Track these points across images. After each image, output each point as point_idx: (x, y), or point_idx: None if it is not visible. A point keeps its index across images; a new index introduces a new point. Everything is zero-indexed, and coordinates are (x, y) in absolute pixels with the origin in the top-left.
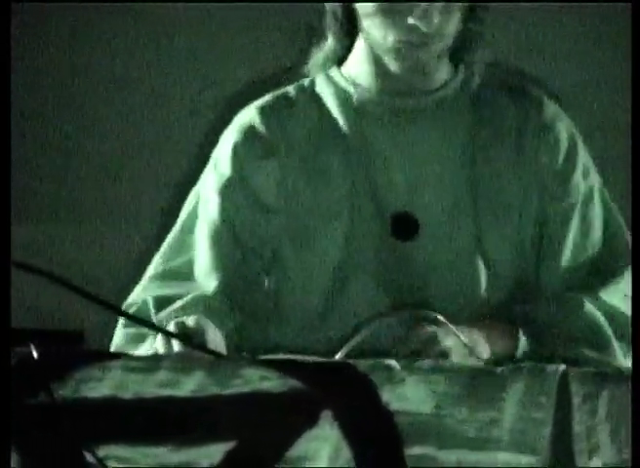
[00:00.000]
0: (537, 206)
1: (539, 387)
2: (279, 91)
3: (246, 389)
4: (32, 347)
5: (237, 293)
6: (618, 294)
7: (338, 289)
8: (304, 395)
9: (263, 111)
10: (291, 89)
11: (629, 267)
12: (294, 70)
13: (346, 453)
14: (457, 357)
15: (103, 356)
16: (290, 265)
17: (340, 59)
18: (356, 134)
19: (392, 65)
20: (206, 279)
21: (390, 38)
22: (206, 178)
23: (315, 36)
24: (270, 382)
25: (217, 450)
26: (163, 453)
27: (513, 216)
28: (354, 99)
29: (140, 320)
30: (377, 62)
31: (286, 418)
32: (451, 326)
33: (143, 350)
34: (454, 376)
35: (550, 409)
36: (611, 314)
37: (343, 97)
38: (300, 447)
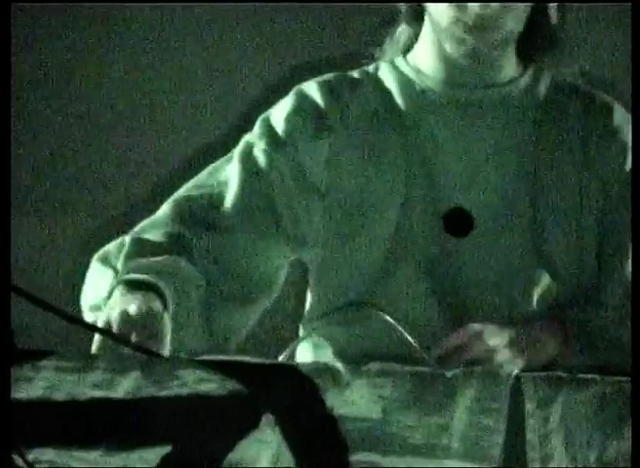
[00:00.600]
0: (600, 213)
1: (490, 392)
2: (342, 73)
3: (184, 391)
4: None
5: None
6: None
7: (380, 280)
8: (245, 397)
9: (324, 86)
10: (355, 72)
11: None
12: (355, 57)
13: (288, 459)
14: (503, 358)
15: (35, 355)
16: (333, 250)
17: (406, 48)
18: (416, 121)
19: (449, 48)
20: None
21: (445, 17)
22: (253, 132)
23: (386, 22)
24: (209, 384)
25: (153, 454)
26: (97, 457)
27: (574, 221)
28: (417, 87)
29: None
30: (437, 47)
31: (225, 421)
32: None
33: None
34: (401, 381)
35: (502, 415)
36: None
37: (406, 84)
38: (240, 451)
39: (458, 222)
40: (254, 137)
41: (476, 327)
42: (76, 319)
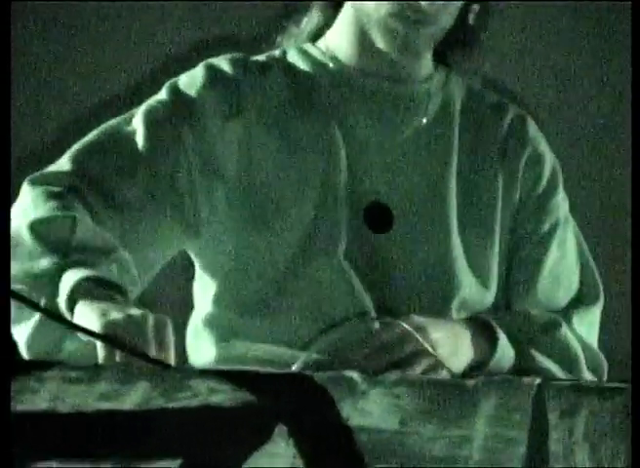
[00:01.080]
0: (513, 223)
1: (512, 402)
2: (250, 55)
3: (194, 402)
4: None
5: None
6: (589, 327)
7: (296, 271)
8: (257, 409)
9: (238, 64)
10: (262, 56)
11: (601, 301)
12: (260, 41)
13: None
14: (445, 352)
15: (39, 365)
16: (243, 240)
17: (314, 35)
18: (334, 110)
19: (380, 42)
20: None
21: (384, 10)
22: (159, 97)
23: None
24: (220, 395)
25: None
26: None
27: (492, 225)
28: (335, 75)
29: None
30: (363, 37)
31: (237, 434)
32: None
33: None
34: (420, 390)
35: (525, 426)
36: (583, 343)
37: (322, 71)
38: (253, 464)
39: (378, 217)
40: (160, 103)
41: (417, 319)
42: (77, 325)
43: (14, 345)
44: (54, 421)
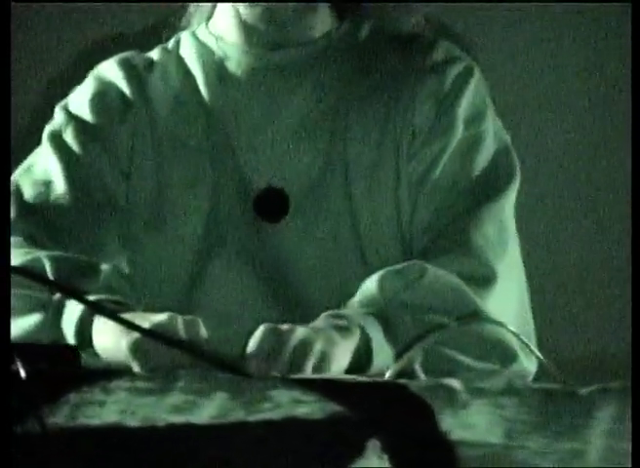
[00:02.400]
0: (407, 163)
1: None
2: (141, 54)
3: (277, 415)
4: (19, 364)
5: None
6: (489, 223)
7: (196, 278)
8: (347, 421)
9: (124, 66)
10: (154, 52)
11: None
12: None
13: None
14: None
15: (105, 375)
16: (142, 249)
17: (210, 15)
18: (217, 98)
19: (242, 10)
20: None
21: None
22: (53, 122)
23: None
24: (306, 407)
25: None
26: None
27: (386, 183)
28: (215, 57)
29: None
30: (233, 10)
31: (325, 449)
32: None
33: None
34: (527, 399)
35: None
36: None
37: (207, 56)
38: None
39: (270, 206)
40: (58, 126)
41: (298, 331)
42: (127, 321)
43: (76, 351)
44: (122, 436)
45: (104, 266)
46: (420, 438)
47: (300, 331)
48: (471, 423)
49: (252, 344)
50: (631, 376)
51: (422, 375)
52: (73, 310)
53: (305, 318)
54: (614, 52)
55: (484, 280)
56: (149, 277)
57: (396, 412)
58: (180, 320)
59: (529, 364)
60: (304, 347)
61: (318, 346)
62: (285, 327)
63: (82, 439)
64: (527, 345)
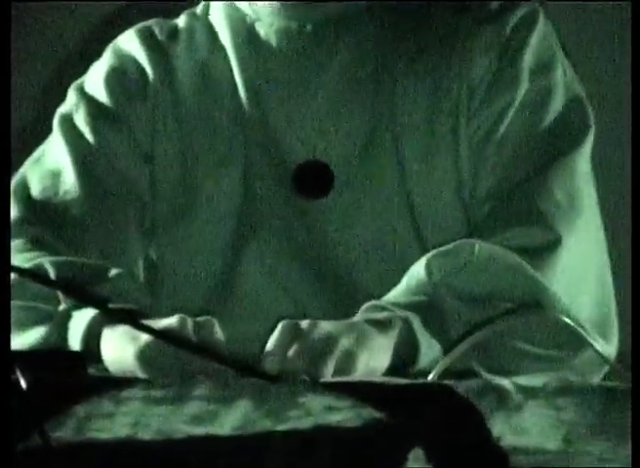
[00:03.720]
0: (466, 123)
1: None
2: (165, 21)
3: (307, 424)
4: (19, 374)
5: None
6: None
7: (230, 268)
8: (386, 429)
9: (143, 37)
10: (180, 19)
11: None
12: None
13: None
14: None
15: (115, 383)
16: (168, 242)
17: None
18: (249, 67)
19: None
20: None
21: None
22: (66, 103)
23: None
24: (340, 414)
25: None
26: None
27: (443, 147)
28: (248, 22)
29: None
30: None
31: (363, 460)
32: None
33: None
34: (588, 400)
35: None
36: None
37: (237, 21)
38: None
39: (312, 182)
40: (69, 108)
41: (322, 327)
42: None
43: (82, 358)
44: (134, 451)
45: (114, 271)
46: (468, 446)
47: (323, 328)
48: (525, 428)
49: (269, 343)
50: (631, 376)
51: (481, 371)
52: (80, 321)
53: (354, 308)
54: (614, 52)
55: (549, 248)
56: (177, 271)
57: (441, 418)
58: (190, 322)
59: (607, 347)
60: (326, 345)
61: (343, 344)
62: (306, 322)
63: (90, 454)
64: (585, 335)
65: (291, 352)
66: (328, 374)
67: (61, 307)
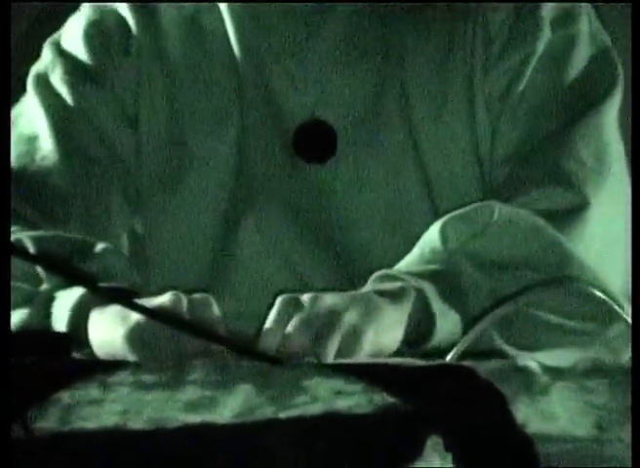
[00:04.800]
0: (482, 78)
1: None
2: None
3: (314, 410)
4: None
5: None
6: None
7: (226, 239)
8: (401, 415)
9: None
10: None
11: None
12: None
13: None
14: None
15: (103, 367)
16: (158, 214)
17: None
18: (244, 19)
19: None
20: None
21: None
22: (41, 61)
23: None
24: (350, 399)
25: None
26: None
27: (457, 104)
28: None
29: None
30: None
31: (376, 449)
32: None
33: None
34: (622, 382)
35: None
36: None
37: None
38: None
39: (314, 143)
40: (43, 66)
41: (326, 299)
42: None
43: (67, 338)
44: (125, 441)
45: (100, 246)
46: (490, 433)
47: (326, 301)
48: (553, 412)
49: (268, 321)
50: (631, 376)
51: (502, 345)
52: (65, 303)
53: (363, 279)
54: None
55: (576, 212)
56: (166, 245)
57: (461, 402)
58: (184, 299)
59: None
60: (329, 320)
61: (348, 318)
62: (307, 295)
63: (77, 445)
64: (616, 307)
65: (289, 328)
66: (331, 352)
67: (44, 287)
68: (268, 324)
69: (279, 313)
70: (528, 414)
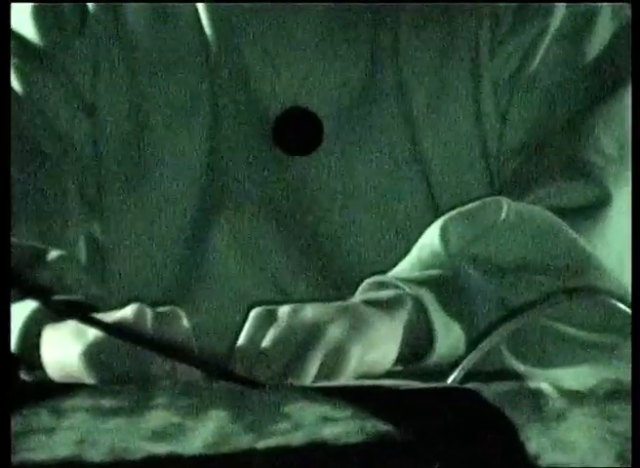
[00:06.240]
0: (489, 58)
1: None
2: None
3: (297, 439)
4: None
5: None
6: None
7: (196, 244)
8: (396, 445)
9: None
10: None
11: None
12: None
13: None
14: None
15: (56, 390)
16: (119, 215)
17: None
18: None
19: None
20: None
21: None
22: None
23: None
24: (338, 426)
25: None
26: None
27: (460, 89)
28: None
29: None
30: None
31: None
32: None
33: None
34: None
35: None
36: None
37: None
38: None
39: (296, 133)
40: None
41: (309, 310)
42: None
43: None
44: None
45: (54, 254)
46: (498, 466)
47: (306, 313)
48: (570, 442)
49: (241, 337)
50: (631, 376)
51: (511, 361)
52: (14, 318)
53: (351, 288)
54: None
55: (597, 207)
56: (128, 251)
57: (464, 431)
58: (149, 313)
59: None
60: (309, 335)
61: (332, 333)
62: (286, 307)
63: None
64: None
65: (265, 345)
66: (311, 373)
67: None
68: (241, 340)
69: (253, 328)
70: (541, 444)
